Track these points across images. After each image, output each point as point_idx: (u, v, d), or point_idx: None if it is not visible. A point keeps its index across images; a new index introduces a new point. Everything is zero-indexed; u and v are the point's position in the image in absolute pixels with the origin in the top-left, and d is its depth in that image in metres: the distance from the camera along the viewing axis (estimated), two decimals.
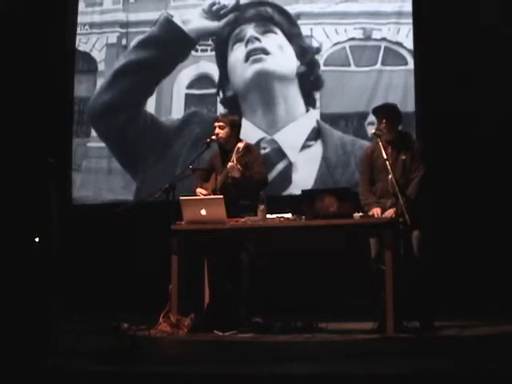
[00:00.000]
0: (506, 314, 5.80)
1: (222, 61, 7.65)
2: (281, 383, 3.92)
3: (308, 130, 7.38)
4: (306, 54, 7.48)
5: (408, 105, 7.10)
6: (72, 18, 7.98)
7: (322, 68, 7.43)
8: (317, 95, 7.41)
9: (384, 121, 5.60)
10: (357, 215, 5.45)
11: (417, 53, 7.18)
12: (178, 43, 7.75)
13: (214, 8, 7.70)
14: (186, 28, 7.73)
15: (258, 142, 7.30)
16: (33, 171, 7.01)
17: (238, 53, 7.60)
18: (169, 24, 7.76)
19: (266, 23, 7.57)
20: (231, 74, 7.62)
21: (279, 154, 7.38)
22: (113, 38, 7.91)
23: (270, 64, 7.51)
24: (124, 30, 7.88)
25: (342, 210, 5.43)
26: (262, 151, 7.12)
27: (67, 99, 7.87)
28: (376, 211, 5.55)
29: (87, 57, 7.96)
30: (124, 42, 7.87)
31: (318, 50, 7.44)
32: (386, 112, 5.66)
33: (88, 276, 7.23)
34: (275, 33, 7.56)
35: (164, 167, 7.58)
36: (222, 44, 7.67)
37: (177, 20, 7.74)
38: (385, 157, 5.47)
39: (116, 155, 7.78)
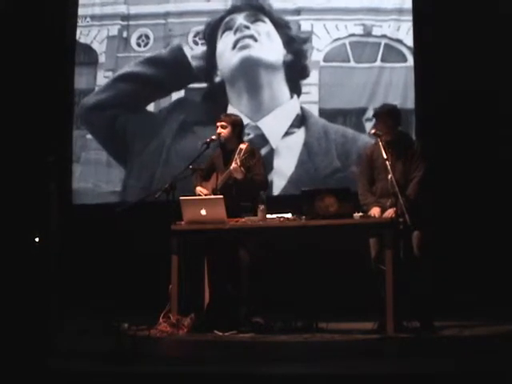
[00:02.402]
0: (506, 314, 5.80)
1: (211, 49, 7.64)
2: (281, 383, 3.92)
3: (292, 117, 7.40)
4: (293, 43, 7.47)
5: (408, 102, 7.10)
6: (73, 10, 7.95)
7: (322, 64, 7.42)
8: (302, 83, 7.41)
9: (384, 122, 5.59)
10: (357, 215, 5.44)
11: (417, 50, 7.17)
12: (183, 74, 7.70)
13: None
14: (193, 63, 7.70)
15: None
16: (33, 170, 7.01)
17: (226, 40, 7.60)
18: (179, 53, 7.71)
19: (256, 12, 7.57)
20: (219, 61, 7.62)
21: (262, 140, 7.37)
22: (114, 31, 7.88)
23: (256, 51, 7.52)
24: (125, 23, 7.85)
25: (342, 210, 5.43)
26: (246, 137, 7.14)
27: (67, 91, 7.84)
28: (375, 211, 5.55)
29: (88, 49, 7.93)
30: (125, 34, 7.84)
31: (305, 40, 7.44)
32: (387, 114, 5.64)
33: (88, 276, 7.20)
34: (264, 21, 7.55)
35: (151, 155, 7.61)
36: (211, 32, 7.65)
37: (187, 51, 7.71)
38: (385, 157, 5.46)
39: (106, 148, 7.76)
